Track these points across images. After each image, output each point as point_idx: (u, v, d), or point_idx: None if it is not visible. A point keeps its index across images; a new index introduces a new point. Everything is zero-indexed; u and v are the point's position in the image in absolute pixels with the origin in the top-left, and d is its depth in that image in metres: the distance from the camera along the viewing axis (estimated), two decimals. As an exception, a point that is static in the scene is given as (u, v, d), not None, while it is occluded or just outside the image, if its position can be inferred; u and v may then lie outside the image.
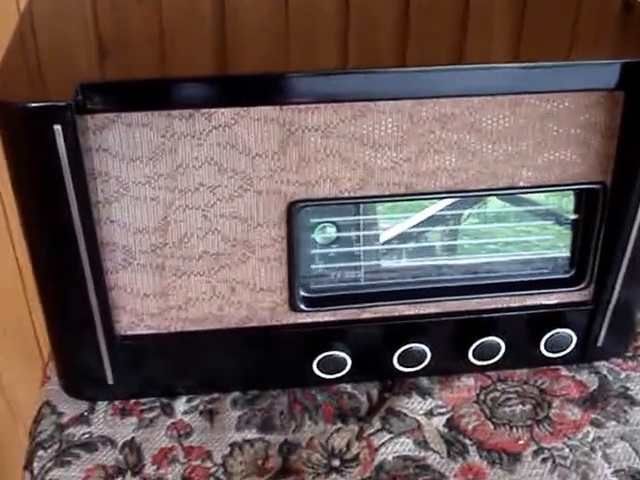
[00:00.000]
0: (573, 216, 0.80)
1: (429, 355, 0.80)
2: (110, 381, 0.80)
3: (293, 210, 0.73)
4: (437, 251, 0.80)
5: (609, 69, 0.69)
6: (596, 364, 0.87)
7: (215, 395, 0.84)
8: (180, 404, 0.83)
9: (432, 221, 0.78)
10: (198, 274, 0.76)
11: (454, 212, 0.78)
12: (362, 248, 0.79)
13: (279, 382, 0.84)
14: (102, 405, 0.83)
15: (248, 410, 0.82)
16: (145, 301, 0.77)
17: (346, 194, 0.73)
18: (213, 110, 0.68)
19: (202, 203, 0.72)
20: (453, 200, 0.77)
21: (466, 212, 0.78)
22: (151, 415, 0.82)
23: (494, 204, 0.79)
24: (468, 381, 0.85)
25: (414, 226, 0.79)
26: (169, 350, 0.80)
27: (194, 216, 0.73)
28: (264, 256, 0.75)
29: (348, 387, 0.85)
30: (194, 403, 0.83)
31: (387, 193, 0.74)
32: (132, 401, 0.84)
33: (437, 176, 0.74)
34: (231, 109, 0.68)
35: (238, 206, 0.73)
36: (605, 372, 0.86)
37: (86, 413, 0.82)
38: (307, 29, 0.78)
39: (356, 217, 0.77)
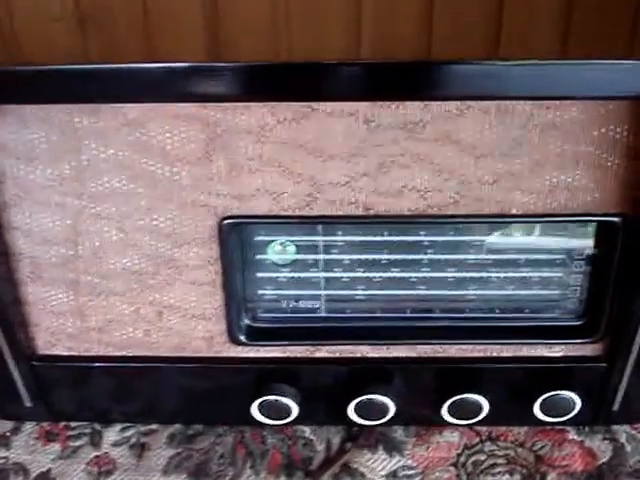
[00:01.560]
0: (587, 251, 0.63)
1: (392, 409, 0.66)
2: (27, 402, 0.70)
3: (225, 227, 0.60)
4: (413, 282, 0.65)
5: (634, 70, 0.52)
6: (614, 428, 0.71)
7: (154, 426, 0.73)
8: (112, 433, 0.73)
9: (408, 247, 0.63)
10: (118, 294, 0.64)
11: (434, 238, 0.63)
12: (321, 274, 0.65)
13: (224, 419, 0.72)
14: (29, 426, 0.73)
15: (184, 449, 0.70)
16: (61, 320, 0.66)
17: (289, 212, 0.60)
18: (120, 105, 0.56)
19: (115, 213, 0.60)
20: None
21: (450, 238, 0.63)
22: (77, 443, 0.72)
23: (486, 230, 0.63)
24: (451, 436, 0.71)
25: (385, 251, 0.64)
26: (95, 374, 0.69)
27: (107, 227, 0.61)
28: (194, 279, 0.63)
29: (307, 431, 0.72)
30: (128, 433, 0.72)
31: (341, 213, 0.60)
32: (62, 424, 0.73)
33: (404, 196, 0.59)
34: (141, 104, 0.56)
35: (158, 219, 0.60)
36: (623, 440, 0.70)
37: (8, 434, 0.73)
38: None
39: (314, 237, 0.64)
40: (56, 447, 0.71)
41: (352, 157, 0.57)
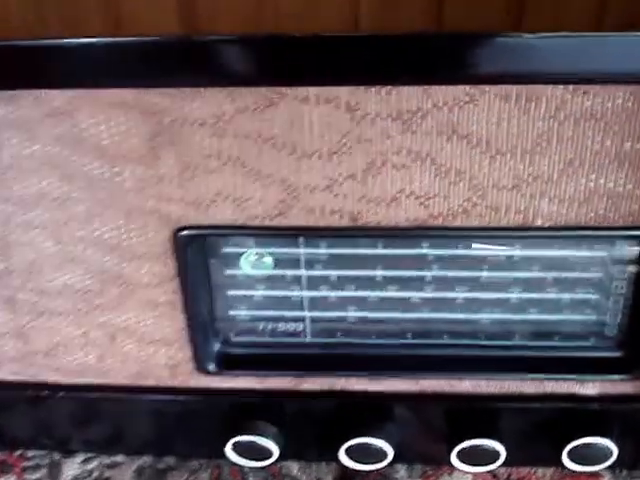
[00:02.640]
0: (630, 270, 0.51)
1: (391, 453, 0.54)
2: (-29, 429, 0.60)
3: (181, 239, 0.49)
4: (415, 303, 0.53)
5: None
6: (663, 474, 0.59)
7: (119, 458, 0.63)
8: (73, 465, 0.63)
9: (409, 262, 0.52)
10: (62, 314, 0.54)
11: (440, 252, 0.51)
12: (305, 292, 0.54)
13: (198, 452, 0.61)
14: (-20, 454, 0.64)
15: (150, 488, 0.60)
16: (1, 342, 0.56)
17: (258, 221, 0.48)
18: (41, 90, 0.45)
19: (49, 220, 0.50)
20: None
21: (459, 252, 0.51)
22: (33, 477, 0.62)
23: (507, 244, 0.51)
24: (463, 478, 0.59)
25: (380, 267, 0.52)
26: (48, 402, 0.59)
27: (41, 237, 0.50)
28: (149, 298, 0.52)
29: (294, 468, 0.61)
30: (90, 466, 0.63)
31: (322, 225, 0.48)
32: (18, 453, 0.64)
33: (400, 204, 0.47)
34: (67, 90, 0.45)
35: (101, 229, 0.50)
36: (673, 491, 0.58)
37: (-44, 464, 0.63)
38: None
39: (293, 249, 0.52)
40: (10, 480, 0.62)
41: (333, 155, 0.46)
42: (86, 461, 0.63)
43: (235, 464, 0.58)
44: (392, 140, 0.45)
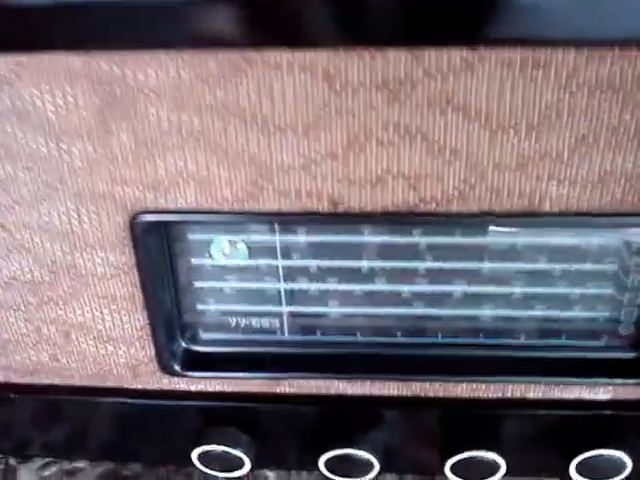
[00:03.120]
0: (650, 262, 0.45)
1: (376, 465, 0.49)
2: None
3: (138, 225, 0.43)
4: (406, 298, 0.48)
5: None
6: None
7: (81, 464, 0.57)
8: (28, 472, 0.57)
9: (398, 251, 0.46)
10: (11, 308, 0.48)
11: (434, 240, 0.45)
12: (282, 284, 0.48)
13: (165, 459, 0.56)
14: None
15: (113, 497, 0.55)
16: (-56, 337, 0.50)
17: (226, 206, 0.42)
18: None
19: (-10, 205, 0.44)
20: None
21: (456, 240, 0.45)
22: (-15, 484, 0.57)
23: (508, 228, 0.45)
24: (460, 490, 0.53)
25: (366, 257, 0.46)
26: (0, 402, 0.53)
27: (-18, 223, 0.44)
28: (105, 292, 0.47)
29: (271, 475, 0.55)
30: (47, 472, 0.57)
31: (298, 209, 0.42)
32: (-30, 456, 0.58)
33: (386, 186, 0.41)
34: (7, 54, 0.39)
35: (49, 214, 0.44)
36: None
37: None
38: None
39: (267, 236, 0.46)
40: (-41, 488, 0.57)
41: (309, 130, 0.40)
42: (44, 467, 0.58)
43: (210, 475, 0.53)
44: (377, 113, 0.39)
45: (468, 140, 0.39)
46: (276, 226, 0.46)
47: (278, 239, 0.46)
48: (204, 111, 0.40)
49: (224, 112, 0.40)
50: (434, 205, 0.41)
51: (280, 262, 0.47)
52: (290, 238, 0.46)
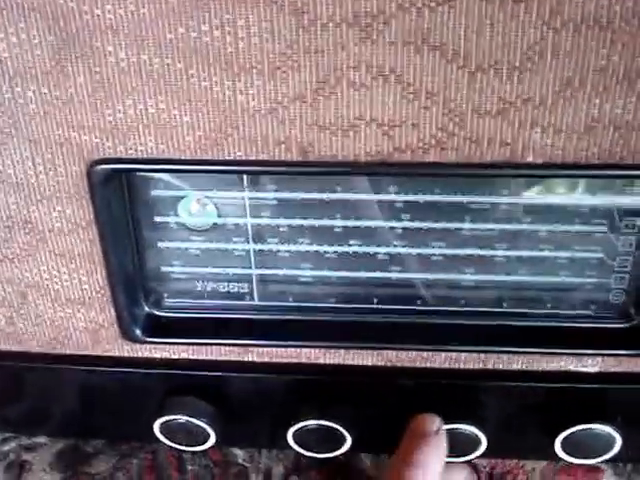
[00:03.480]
0: (641, 222, 0.42)
1: (348, 439, 0.46)
2: None
3: (96, 175, 0.41)
4: (381, 260, 0.45)
5: None
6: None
7: (41, 439, 0.54)
8: (-12, 447, 0.54)
9: (373, 209, 0.43)
10: (-37, 266, 0.45)
11: (412, 198, 0.43)
12: (250, 245, 0.45)
13: (128, 434, 0.53)
14: None
15: (74, 473, 0.52)
16: None
17: (188, 153, 0.40)
18: None
19: (-63, 151, 0.41)
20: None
21: (435, 198, 0.43)
22: (-59, 460, 0.54)
23: (487, 186, 0.42)
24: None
25: (339, 215, 0.44)
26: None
27: None
28: (62, 249, 0.44)
29: (239, 455, 0.53)
30: (6, 447, 0.55)
31: (265, 157, 0.40)
32: None
33: (359, 133, 0.38)
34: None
35: (3, 163, 0.42)
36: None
37: None
38: None
39: (233, 192, 0.44)
40: None
41: (276, 71, 0.37)
42: (2, 442, 0.56)
43: (173, 448, 0.50)
44: (348, 52, 0.36)
45: (445, 83, 0.37)
46: (244, 180, 0.43)
47: (246, 195, 0.44)
48: (165, 50, 0.37)
49: (186, 51, 0.37)
50: (409, 154, 0.39)
51: (249, 220, 0.44)
52: (259, 194, 0.43)
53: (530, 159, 0.39)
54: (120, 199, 0.43)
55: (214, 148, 0.40)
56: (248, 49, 0.37)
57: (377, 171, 0.40)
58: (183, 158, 0.40)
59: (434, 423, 0.43)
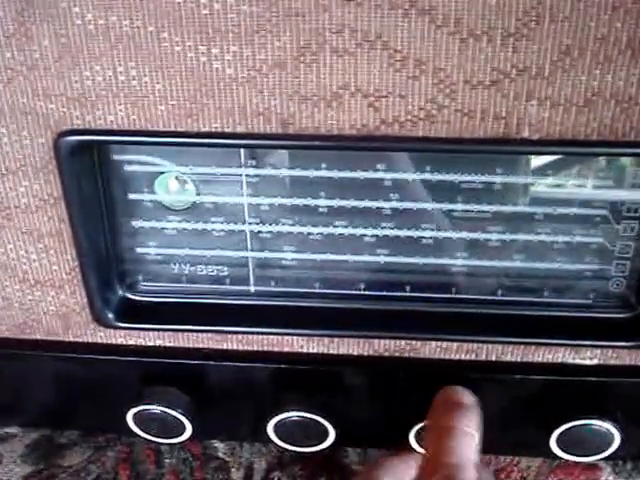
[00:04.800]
0: (644, 206, 0.40)
1: (332, 433, 0.43)
2: None
3: (64, 148, 0.38)
4: (369, 243, 0.42)
5: None
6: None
7: (12, 429, 0.52)
8: (-43, 437, 0.52)
9: (360, 188, 0.41)
10: None
11: (401, 176, 0.40)
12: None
13: (102, 425, 0.51)
14: None
15: (46, 466, 0.49)
16: None
17: (161, 125, 0.37)
18: None
19: None
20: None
21: (426, 177, 0.40)
22: None
23: (481, 165, 0.40)
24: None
25: (323, 194, 0.41)
26: None
27: None
28: (29, 227, 0.42)
29: (220, 448, 0.50)
30: (-23, 438, 0.52)
31: (243, 130, 0.37)
32: None
33: (343, 104, 0.36)
34: None
35: (-36, 133, 0.39)
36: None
37: None
38: None
39: (212, 168, 0.41)
40: None
41: (253, 35, 0.35)
42: (-23, 431, 0.53)
43: (150, 441, 0.47)
44: (331, 15, 0.34)
45: (435, 50, 0.34)
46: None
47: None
48: (134, 11, 0.35)
49: (157, 13, 0.35)
50: (397, 128, 0.36)
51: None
52: (233, 171, 0.41)
53: (526, 134, 0.36)
54: (91, 174, 0.40)
55: (188, 119, 0.37)
56: (224, 11, 0.34)
57: (363, 146, 0.37)
58: (156, 129, 0.37)
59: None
